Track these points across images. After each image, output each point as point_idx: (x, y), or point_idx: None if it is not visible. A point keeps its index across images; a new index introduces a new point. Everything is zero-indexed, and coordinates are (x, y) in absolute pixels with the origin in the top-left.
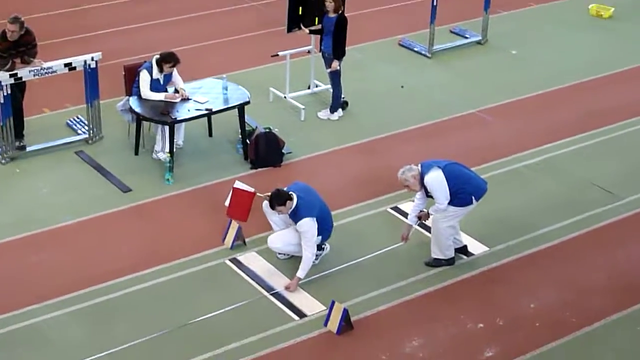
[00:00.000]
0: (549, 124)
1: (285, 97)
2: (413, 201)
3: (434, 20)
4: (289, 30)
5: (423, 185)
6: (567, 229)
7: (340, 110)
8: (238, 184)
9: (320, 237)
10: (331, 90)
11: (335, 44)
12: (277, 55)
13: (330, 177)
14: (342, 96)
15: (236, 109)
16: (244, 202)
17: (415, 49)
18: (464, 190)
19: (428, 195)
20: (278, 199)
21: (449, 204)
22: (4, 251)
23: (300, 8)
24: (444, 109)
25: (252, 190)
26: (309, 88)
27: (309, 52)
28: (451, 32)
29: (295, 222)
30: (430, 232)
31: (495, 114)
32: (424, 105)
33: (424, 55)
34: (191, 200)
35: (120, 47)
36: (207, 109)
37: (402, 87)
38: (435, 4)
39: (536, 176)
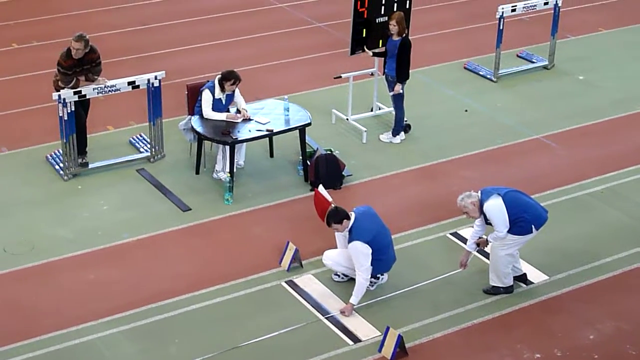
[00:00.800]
0: (614, 151)
1: (347, 119)
2: (472, 227)
3: (500, 44)
4: (353, 52)
5: (482, 212)
6: (629, 259)
7: (402, 133)
8: (323, 191)
9: (373, 267)
10: (394, 113)
11: (399, 67)
12: (340, 77)
13: (390, 200)
14: (405, 119)
15: (297, 131)
16: (319, 206)
17: (481, 73)
18: (523, 219)
19: (487, 222)
20: (334, 217)
21: (508, 232)
22: (64, 267)
23: (364, 30)
24: (508, 134)
25: (330, 200)
26: (371, 110)
27: (372, 74)
28: (518, 56)
29: (348, 243)
30: (489, 259)
31: (560, 140)
32: (487, 130)
33: (489, 79)
34: (250, 220)
35: (184, 66)
36: (268, 130)
37: (465, 111)
38: (501, 27)
39: (599, 205)
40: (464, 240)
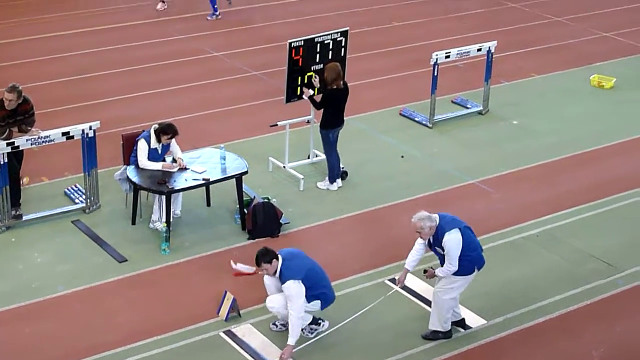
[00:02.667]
0: (549, 195)
1: (284, 166)
2: (412, 274)
3: (434, 90)
4: (288, 100)
5: (435, 239)
6: (566, 301)
7: (339, 180)
8: (240, 267)
9: (316, 303)
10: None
11: (322, 116)
12: (276, 125)
13: (329, 247)
14: (342, 166)
15: (234, 179)
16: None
17: (416, 119)
18: (470, 258)
19: (434, 249)
20: (264, 257)
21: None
22: None
23: (299, 78)
24: (445, 180)
25: (252, 270)
26: (308, 158)
27: (308, 122)
28: (452, 102)
29: (282, 285)
30: (425, 304)
31: (496, 185)
32: (424, 176)
33: (425, 125)
34: (187, 270)
35: (120, 116)
36: (204, 179)
37: (402, 157)
38: (436, 74)
39: (535, 248)
40: (405, 288)
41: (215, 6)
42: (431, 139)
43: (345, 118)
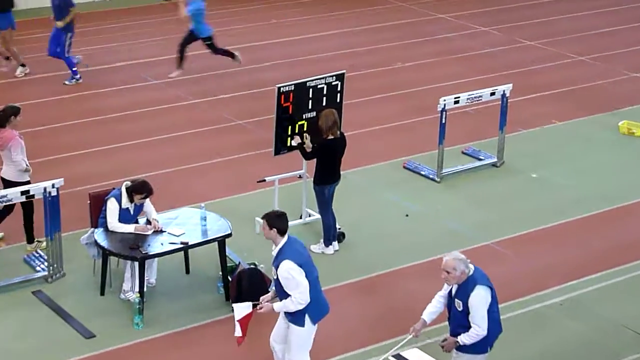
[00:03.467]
0: (574, 257)
1: None
2: (418, 348)
3: (442, 140)
4: (277, 152)
5: (461, 291)
6: None
7: (335, 243)
8: (237, 310)
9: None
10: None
11: (316, 171)
12: (264, 180)
13: (323, 320)
14: (339, 227)
15: (216, 243)
16: (247, 321)
17: (422, 173)
18: (488, 330)
19: (452, 299)
20: (276, 220)
21: (460, 348)
22: None
23: (290, 128)
24: (455, 240)
25: (250, 310)
26: (300, 218)
27: (300, 177)
28: (463, 153)
29: (276, 267)
30: None
31: (513, 247)
32: (431, 237)
33: (432, 180)
34: (164, 347)
35: (87, 172)
36: (182, 243)
37: (406, 215)
38: (444, 121)
39: (560, 318)
40: None
41: (74, 69)
42: (439, 194)
43: (342, 172)
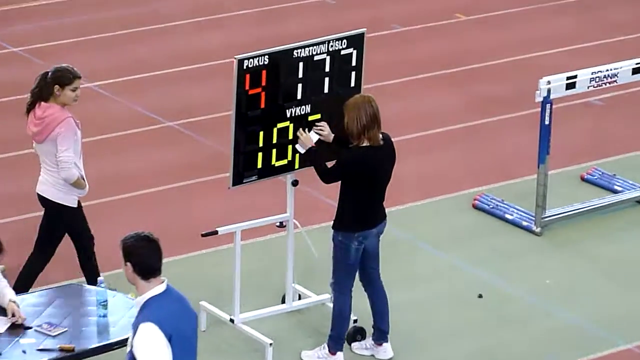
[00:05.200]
0: None
1: (232, 320)
2: None
3: (546, 155)
4: (238, 181)
5: None
6: None
7: (356, 344)
8: None
9: None
10: (330, 305)
11: (342, 202)
12: (216, 232)
13: None
14: (354, 318)
15: (129, 348)
16: None
17: (508, 217)
18: None
19: None
20: (140, 249)
21: None
22: None
23: (262, 134)
24: (571, 342)
25: None
26: (283, 302)
27: (281, 225)
28: (584, 180)
29: (134, 333)
30: None
31: None
32: (528, 335)
33: (527, 230)
34: None
35: None
36: (63, 350)
37: (479, 296)
38: (547, 122)
39: None
40: None
41: None
42: (540, 257)
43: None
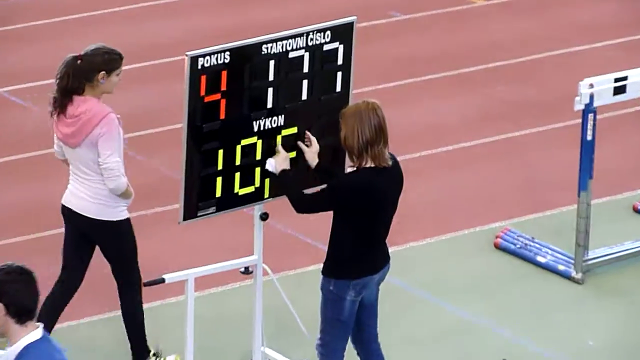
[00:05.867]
0: None
1: None
2: None
3: (588, 180)
4: (191, 214)
5: None
6: None
7: None
8: None
9: None
10: None
11: (334, 240)
12: (162, 281)
13: None
14: None
15: None
16: None
17: (540, 259)
18: None
19: None
20: (9, 284)
21: None
22: None
23: (220, 153)
24: None
25: None
26: None
27: (247, 271)
28: (637, 211)
29: None
30: None
31: None
32: None
33: (565, 277)
34: None
35: None
36: None
37: None
38: (590, 137)
39: None
40: None
41: None
42: (581, 311)
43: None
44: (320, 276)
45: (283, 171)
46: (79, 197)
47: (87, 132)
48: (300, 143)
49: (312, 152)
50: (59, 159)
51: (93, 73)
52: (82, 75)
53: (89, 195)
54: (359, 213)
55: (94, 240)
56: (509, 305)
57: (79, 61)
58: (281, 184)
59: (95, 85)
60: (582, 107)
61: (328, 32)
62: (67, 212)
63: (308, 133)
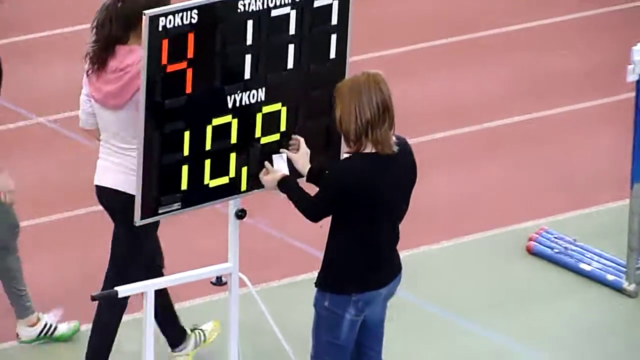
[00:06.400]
0: None
1: None
2: None
3: None
4: (148, 214)
5: None
6: None
7: None
8: None
9: None
10: None
11: (331, 245)
12: (114, 295)
13: None
14: None
15: None
16: None
17: (584, 267)
18: None
19: None
20: None
21: None
22: None
23: (188, 135)
24: None
25: None
26: None
27: (219, 281)
28: None
29: None
30: None
31: None
32: None
33: (613, 288)
34: None
35: None
36: None
37: None
38: None
39: None
40: None
41: None
42: (636, 330)
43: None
44: (314, 289)
45: (283, 182)
46: (111, 170)
47: (135, 90)
48: (286, 151)
49: (302, 158)
50: (85, 128)
51: (137, 17)
52: (126, 20)
53: (125, 167)
54: (357, 211)
55: (121, 221)
56: (545, 325)
57: (119, 3)
58: (289, 196)
59: (141, 32)
60: (636, 77)
61: None
62: (102, 192)
63: (295, 135)
